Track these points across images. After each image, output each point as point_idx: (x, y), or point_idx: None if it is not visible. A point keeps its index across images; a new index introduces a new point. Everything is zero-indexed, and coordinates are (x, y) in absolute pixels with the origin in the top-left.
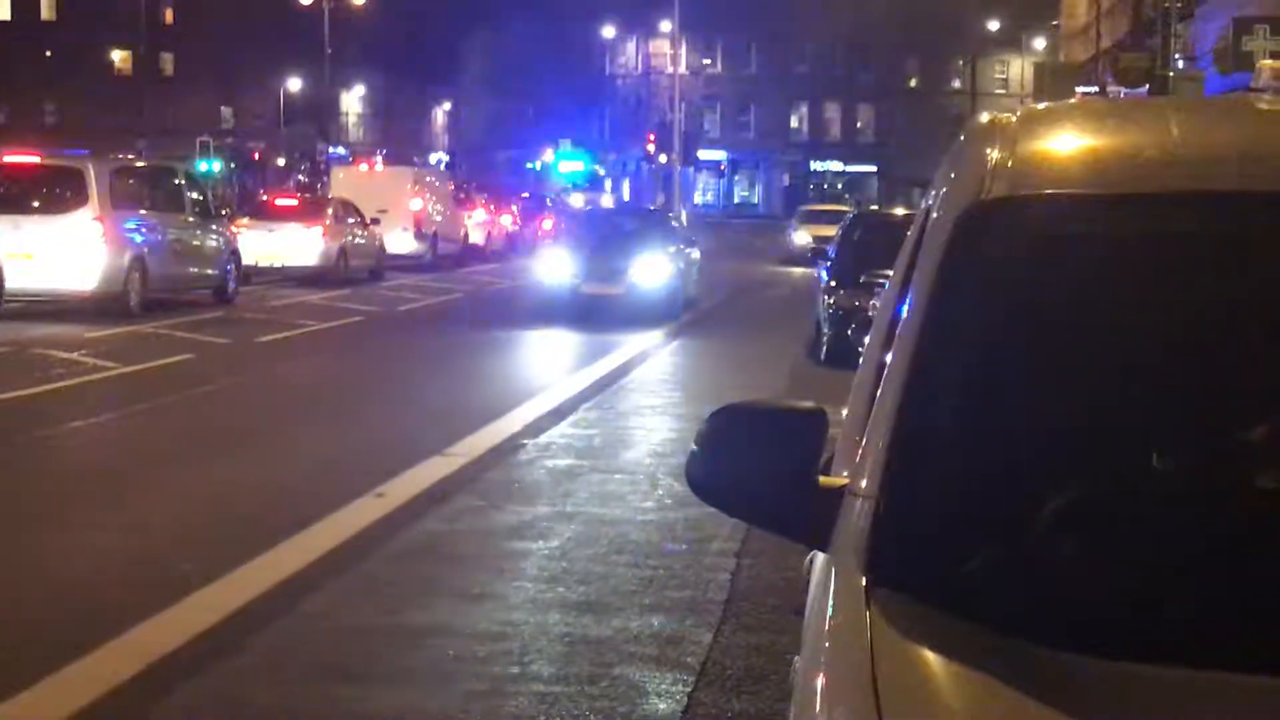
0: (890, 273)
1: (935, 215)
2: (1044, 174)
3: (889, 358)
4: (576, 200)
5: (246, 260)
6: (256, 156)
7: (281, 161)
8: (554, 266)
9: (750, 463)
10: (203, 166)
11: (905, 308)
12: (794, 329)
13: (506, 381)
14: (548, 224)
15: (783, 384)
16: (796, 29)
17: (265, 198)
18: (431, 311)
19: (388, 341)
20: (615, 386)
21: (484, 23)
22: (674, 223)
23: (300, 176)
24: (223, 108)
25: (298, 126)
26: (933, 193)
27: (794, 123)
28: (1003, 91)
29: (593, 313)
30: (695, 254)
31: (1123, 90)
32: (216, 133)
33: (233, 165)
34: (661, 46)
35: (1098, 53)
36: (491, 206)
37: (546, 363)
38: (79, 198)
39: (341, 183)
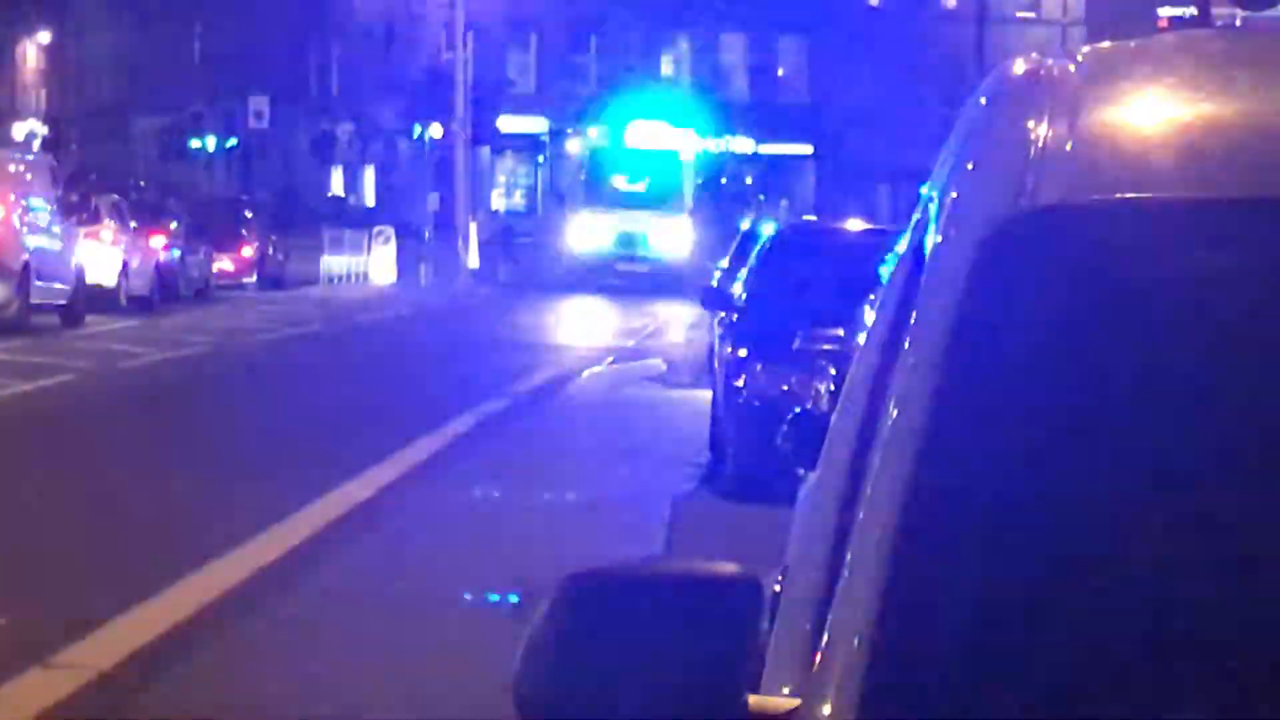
0: (844, 333)
1: (941, 235)
2: (1125, 167)
3: (870, 482)
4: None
5: None
6: None
7: None
8: None
9: (632, 671)
10: None
11: (895, 394)
12: (672, 431)
13: None
14: (248, 251)
15: (660, 534)
16: None
17: None
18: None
19: None
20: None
21: None
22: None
23: None
24: None
25: None
26: (933, 197)
27: (666, 68)
28: (1030, 15)
29: None
30: None
31: (1240, 12)
32: None
33: None
34: None
35: None
36: (130, 221)
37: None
38: None
39: None
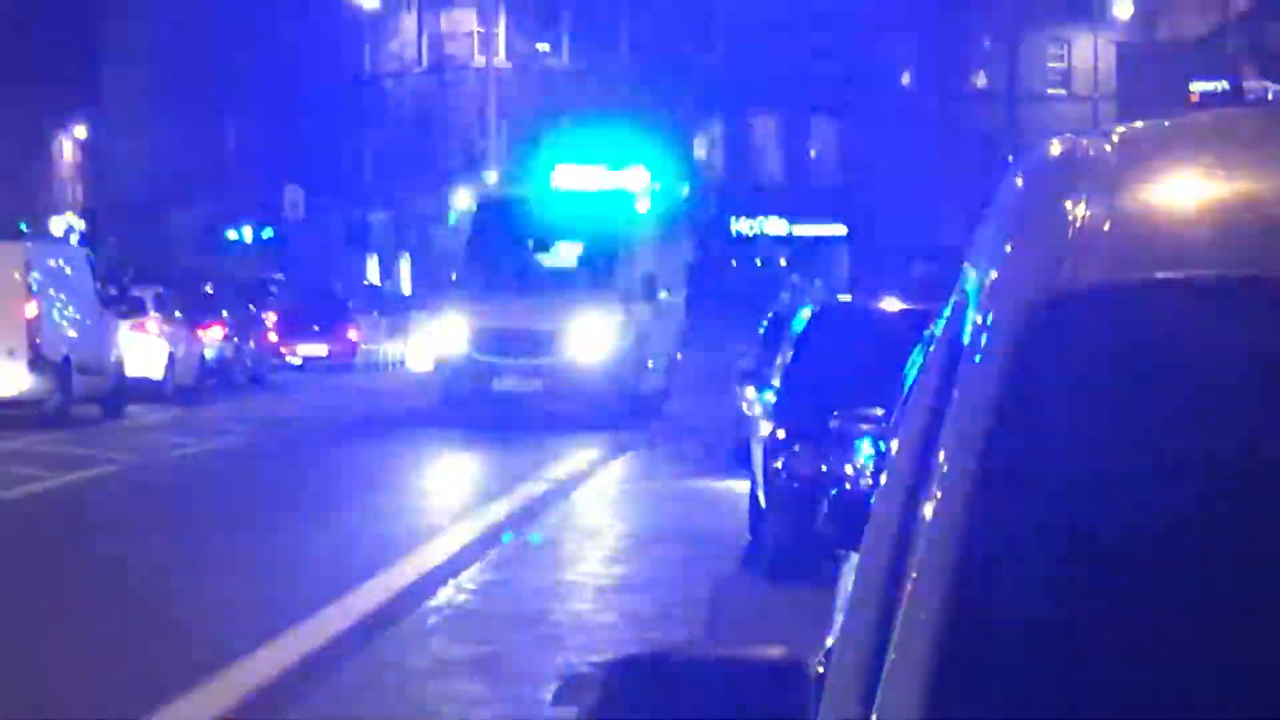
0: (883, 411)
1: (980, 315)
2: (1163, 245)
3: (915, 563)
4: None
5: None
6: None
7: None
8: None
9: None
10: None
11: (938, 474)
12: (709, 513)
13: None
14: (353, 334)
15: (700, 615)
16: None
17: None
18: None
19: None
20: None
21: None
22: None
23: None
24: None
25: None
26: (971, 276)
27: (700, 150)
28: (1060, 91)
29: None
30: None
31: (1271, 85)
32: None
33: None
34: (463, 21)
35: (1226, 21)
36: (176, 312)
37: None
38: None
39: None
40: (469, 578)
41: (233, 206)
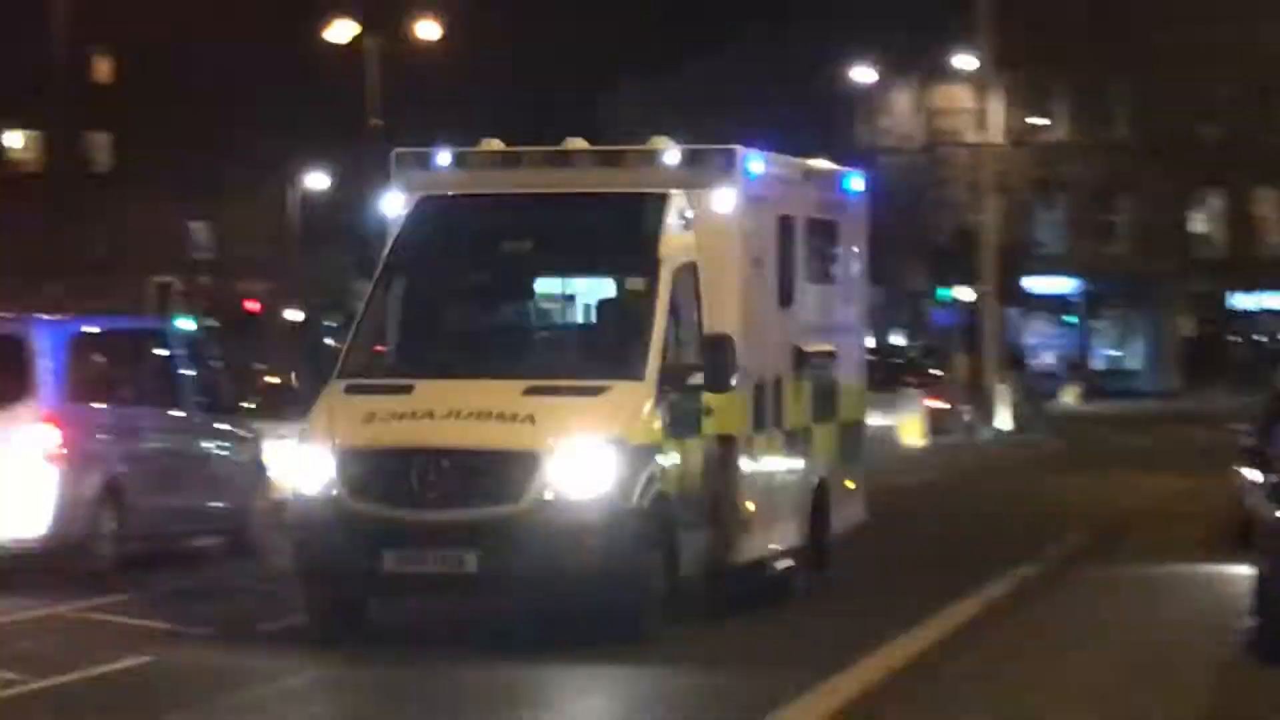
0: None
1: None
2: None
3: None
4: None
5: None
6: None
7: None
8: None
9: None
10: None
11: None
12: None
13: None
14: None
15: (1202, 699)
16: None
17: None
18: None
19: None
20: None
21: None
22: None
23: None
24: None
25: None
26: None
27: (1201, 225)
28: None
29: None
30: None
31: None
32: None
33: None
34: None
35: None
36: None
37: None
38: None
39: None
40: None
41: None
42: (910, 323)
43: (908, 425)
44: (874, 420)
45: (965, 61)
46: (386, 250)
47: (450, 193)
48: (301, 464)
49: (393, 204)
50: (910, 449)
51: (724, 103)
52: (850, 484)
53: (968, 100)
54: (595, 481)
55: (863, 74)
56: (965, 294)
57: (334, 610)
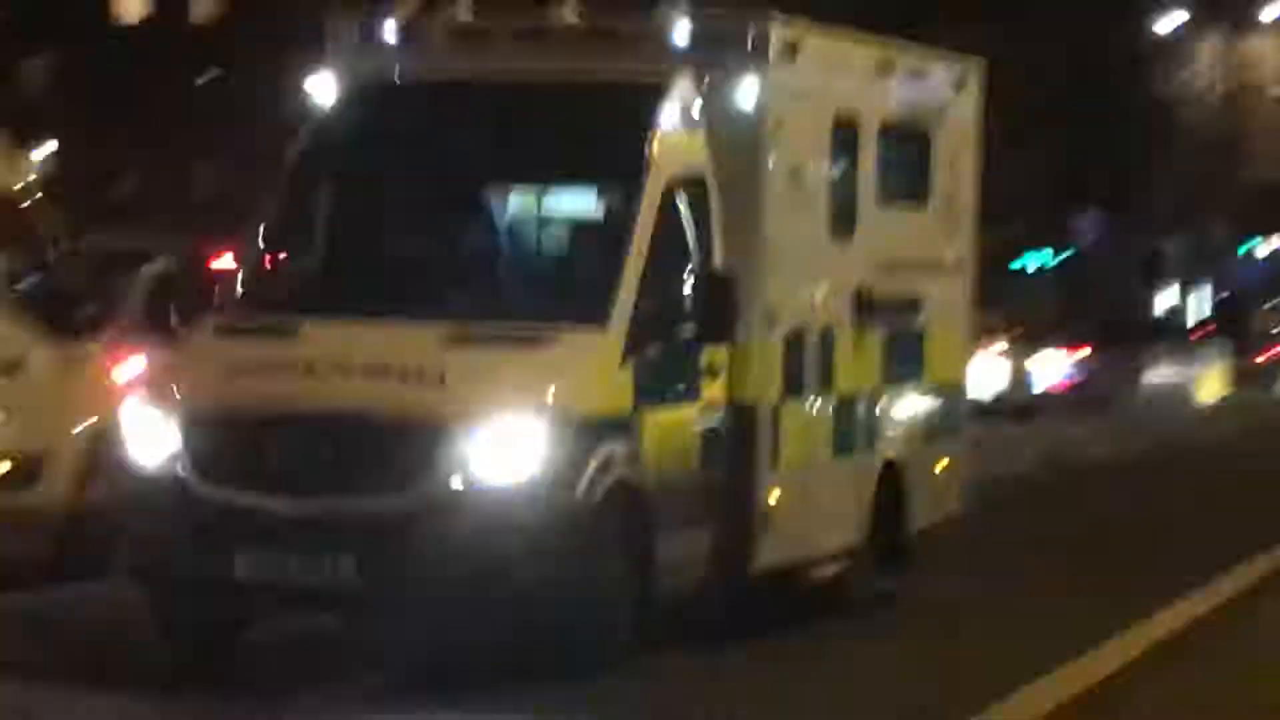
0: None
1: None
2: None
3: None
4: None
5: None
6: None
7: None
8: None
9: None
10: None
11: None
12: None
13: None
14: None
15: None
16: None
17: None
18: None
19: None
20: None
21: None
22: None
23: None
24: None
25: None
26: None
27: None
28: None
29: None
30: None
31: None
32: None
33: None
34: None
35: None
36: None
37: None
38: None
39: None
40: None
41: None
42: (1214, 275)
43: (1207, 381)
44: (1167, 376)
45: (1272, 12)
46: (295, 150)
47: (388, 79)
48: (139, 430)
49: (322, 90)
50: (1203, 407)
51: None
52: (942, 464)
53: (1273, 51)
54: (524, 465)
55: (1171, 21)
56: (1264, 249)
57: (190, 635)
